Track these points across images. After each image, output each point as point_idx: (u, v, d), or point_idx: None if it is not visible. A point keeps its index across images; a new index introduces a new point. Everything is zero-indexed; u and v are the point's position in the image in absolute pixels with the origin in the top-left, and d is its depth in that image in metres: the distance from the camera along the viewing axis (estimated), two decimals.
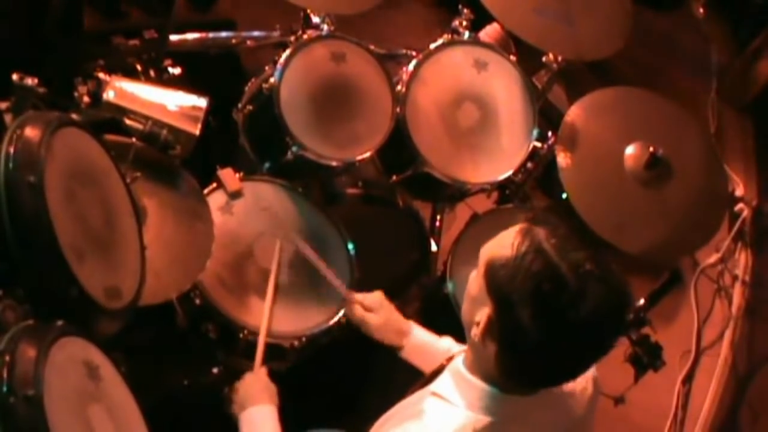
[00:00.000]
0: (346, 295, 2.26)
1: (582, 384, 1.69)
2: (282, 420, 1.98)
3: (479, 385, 1.56)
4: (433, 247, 2.72)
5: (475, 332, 1.51)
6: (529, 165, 2.65)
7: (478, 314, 1.50)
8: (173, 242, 2.07)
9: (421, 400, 1.63)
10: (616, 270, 1.47)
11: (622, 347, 2.60)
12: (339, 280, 2.29)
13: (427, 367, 1.99)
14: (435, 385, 1.63)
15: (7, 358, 1.36)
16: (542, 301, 1.42)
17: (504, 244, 1.48)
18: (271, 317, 2.22)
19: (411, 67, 2.55)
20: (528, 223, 1.50)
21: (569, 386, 1.65)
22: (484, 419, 1.53)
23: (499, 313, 1.47)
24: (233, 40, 3.13)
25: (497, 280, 1.47)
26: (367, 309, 2.19)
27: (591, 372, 1.72)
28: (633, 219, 2.47)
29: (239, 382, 2.06)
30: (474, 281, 1.54)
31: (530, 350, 1.47)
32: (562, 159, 2.47)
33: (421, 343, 2.14)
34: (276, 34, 3.09)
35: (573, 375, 1.54)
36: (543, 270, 1.42)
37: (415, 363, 2.10)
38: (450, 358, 1.70)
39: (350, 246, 2.42)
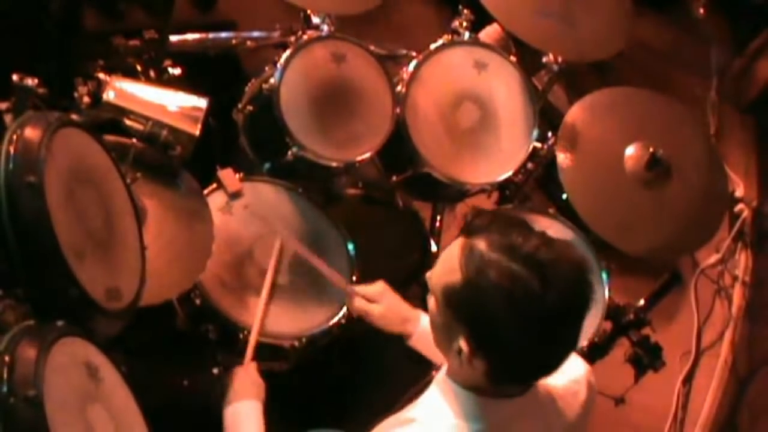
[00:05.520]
0: (346, 289, 2.25)
1: (574, 388, 1.69)
2: (267, 416, 1.98)
3: (466, 393, 1.56)
4: (433, 247, 2.72)
5: (461, 360, 1.51)
6: (529, 165, 2.65)
7: (454, 343, 1.51)
8: (173, 242, 2.07)
9: (409, 410, 1.62)
10: (562, 243, 1.48)
11: (622, 348, 2.60)
12: (338, 275, 2.28)
13: (434, 356, 1.98)
14: (422, 398, 1.63)
15: (7, 358, 1.36)
16: (516, 308, 1.43)
17: (451, 268, 1.48)
18: (265, 312, 2.21)
19: (411, 67, 2.55)
20: (464, 237, 1.50)
21: (558, 390, 1.65)
22: (473, 427, 1.54)
23: (477, 335, 1.48)
24: (233, 41, 3.13)
25: (462, 307, 1.48)
26: (370, 300, 2.17)
27: (585, 374, 1.73)
28: (633, 219, 2.47)
29: (228, 376, 2.06)
30: (436, 313, 1.55)
31: (520, 354, 1.48)
32: (563, 159, 2.47)
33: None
34: (276, 34, 3.08)
35: (564, 355, 1.54)
36: (502, 280, 1.42)
37: (423, 352, 2.08)
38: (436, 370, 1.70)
39: (350, 246, 2.42)
